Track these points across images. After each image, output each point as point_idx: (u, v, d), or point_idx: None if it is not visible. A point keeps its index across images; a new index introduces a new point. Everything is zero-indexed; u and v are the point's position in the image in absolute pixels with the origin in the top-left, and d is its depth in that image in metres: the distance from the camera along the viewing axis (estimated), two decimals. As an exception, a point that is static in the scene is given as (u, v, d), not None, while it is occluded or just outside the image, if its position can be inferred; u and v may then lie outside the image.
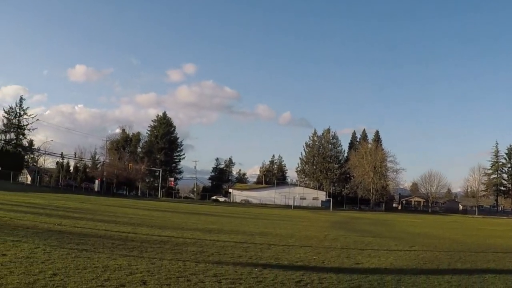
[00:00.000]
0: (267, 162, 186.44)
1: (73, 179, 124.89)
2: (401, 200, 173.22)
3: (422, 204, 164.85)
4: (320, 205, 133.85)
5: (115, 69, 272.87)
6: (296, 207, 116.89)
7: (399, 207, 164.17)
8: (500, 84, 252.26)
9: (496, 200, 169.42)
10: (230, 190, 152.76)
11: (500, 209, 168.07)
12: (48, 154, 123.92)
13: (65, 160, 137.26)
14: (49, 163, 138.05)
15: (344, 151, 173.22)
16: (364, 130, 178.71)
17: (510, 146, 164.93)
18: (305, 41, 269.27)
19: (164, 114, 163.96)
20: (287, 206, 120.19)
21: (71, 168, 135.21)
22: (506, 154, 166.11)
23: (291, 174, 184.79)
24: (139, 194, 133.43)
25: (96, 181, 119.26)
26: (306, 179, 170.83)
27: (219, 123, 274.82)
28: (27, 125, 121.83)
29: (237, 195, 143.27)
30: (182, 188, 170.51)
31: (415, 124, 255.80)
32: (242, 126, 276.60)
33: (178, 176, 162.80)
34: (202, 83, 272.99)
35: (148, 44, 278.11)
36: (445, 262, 17.25)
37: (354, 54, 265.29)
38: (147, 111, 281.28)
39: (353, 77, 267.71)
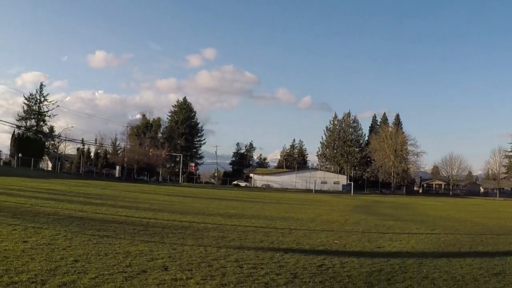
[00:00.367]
0: (288, 147, 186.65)
1: (94, 165, 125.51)
2: (422, 183, 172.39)
3: (443, 187, 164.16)
4: (341, 189, 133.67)
5: (135, 54, 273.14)
6: (317, 191, 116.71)
7: (420, 191, 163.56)
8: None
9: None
10: (251, 175, 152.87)
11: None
12: (68, 140, 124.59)
13: (86, 146, 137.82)
14: (69, 149, 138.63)
15: (364, 134, 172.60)
16: (384, 113, 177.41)
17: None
18: (326, 23, 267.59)
19: (185, 99, 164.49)
20: (308, 191, 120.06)
21: (92, 154, 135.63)
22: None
23: (312, 158, 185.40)
24: (159, 180, 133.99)
25: (117, 167, 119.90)
26: (327, 163, 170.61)
27: (239, 108, 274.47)
28: (47, 111, 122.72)
29: (258, 179, 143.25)
30: (203, 173, 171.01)
31: (435, 106, 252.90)
32: (262, 111, 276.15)
33: (198, 161, 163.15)
34: (222, 67, 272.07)
35: (167, 29, 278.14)
36: (467, 245, 17.14)
37: (375, 36, 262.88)
38: (167, 97, 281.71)
39: (374, 60, 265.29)
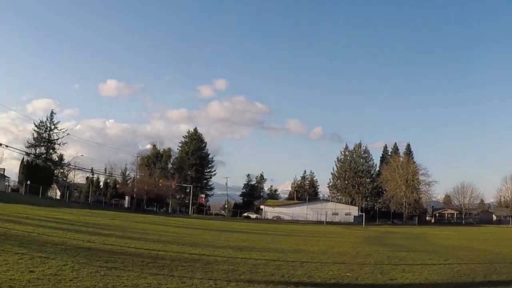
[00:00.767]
0: (299, 178, 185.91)
1: (103, 195, 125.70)
2: (434, 213, 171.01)
3: (455, 216, 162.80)
4: (352, 221, 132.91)
5: (147, 84, 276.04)
6: (328, 223, 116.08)
7: (433, 220, 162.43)
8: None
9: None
10: (262, 206, 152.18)
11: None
12: (78, 169, 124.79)
13: (95, 176, 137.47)
14: (79, 178, 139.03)
15: (375, 165, 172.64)
16: (395, 143, 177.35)
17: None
18: (335, 56, 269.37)
19: (195, 130, 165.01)
20: (319, 222, 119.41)
21: (101, 183, 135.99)
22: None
23: (323, 190, 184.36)
24: (169, 211, 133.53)
25: (126, 197, 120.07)
26: (338, 194, 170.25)
27: (250, 139, 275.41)
28: (57, 139, 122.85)
29: (269, 211, 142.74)
30: (213, 205, 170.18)
31: (446, 135, 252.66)
32: (273, 141, 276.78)
33: (209, 192, 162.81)
34: (233, 98, 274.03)
35: (179, 60, 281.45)
36: (481, 274, 16.90)
37: (383, 68, 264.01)
38: (178, 127, 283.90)
39: (383, 90, 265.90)
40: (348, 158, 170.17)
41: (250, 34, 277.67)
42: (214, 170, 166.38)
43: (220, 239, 31.24)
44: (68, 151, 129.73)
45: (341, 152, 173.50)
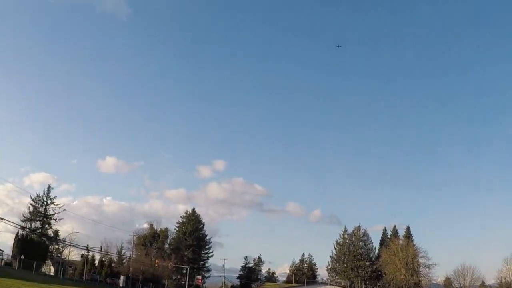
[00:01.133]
0: (297, 261, 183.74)
1: (98, 273, 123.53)
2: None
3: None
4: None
5: (146, 162, 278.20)
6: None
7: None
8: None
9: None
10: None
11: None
12: (73, 245, 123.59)
13: (91, 253, 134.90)
14: (73, 255, 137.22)
15: (375, 248, 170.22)
16: (394, 226, 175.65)
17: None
18: (332, 137, 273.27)
19: (193, 210, 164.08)
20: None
21: (96, 261, 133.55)
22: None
23: (322, 273, 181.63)
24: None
25: (122, 277, 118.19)
26: (337, 277, 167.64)
27: (249, 220, 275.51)
28: (53, 214, 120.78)
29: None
30: (210, 287, 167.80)
31: (445, 217, 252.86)
32: (272, 223, 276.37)
33: (206, 274, 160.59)
34: (232, 180, 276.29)
35: (179, 140, 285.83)
36: None
37: (380, 151, 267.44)
38: (176, 207, 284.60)
39: (382, 173, 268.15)
40: (347, 241, 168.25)
41: (247, 116, 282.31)
42: (212, 252, 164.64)
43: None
44: (64, 227, 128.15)
45: (340, 235, 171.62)
